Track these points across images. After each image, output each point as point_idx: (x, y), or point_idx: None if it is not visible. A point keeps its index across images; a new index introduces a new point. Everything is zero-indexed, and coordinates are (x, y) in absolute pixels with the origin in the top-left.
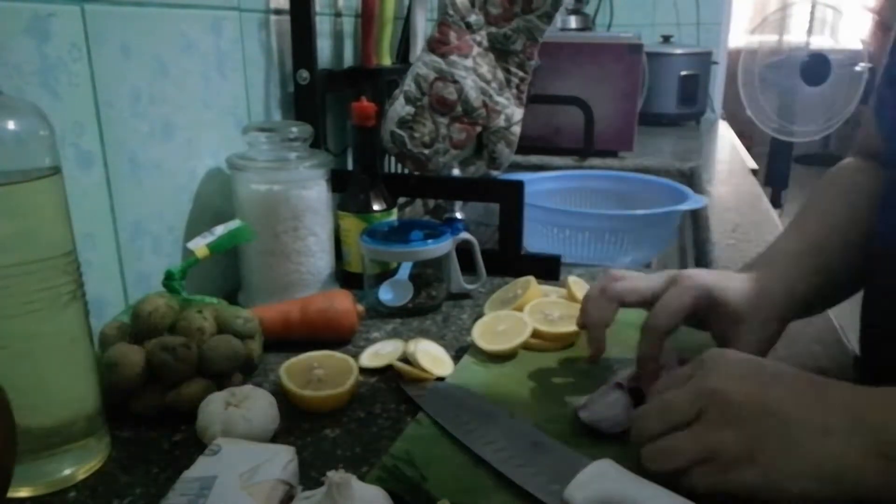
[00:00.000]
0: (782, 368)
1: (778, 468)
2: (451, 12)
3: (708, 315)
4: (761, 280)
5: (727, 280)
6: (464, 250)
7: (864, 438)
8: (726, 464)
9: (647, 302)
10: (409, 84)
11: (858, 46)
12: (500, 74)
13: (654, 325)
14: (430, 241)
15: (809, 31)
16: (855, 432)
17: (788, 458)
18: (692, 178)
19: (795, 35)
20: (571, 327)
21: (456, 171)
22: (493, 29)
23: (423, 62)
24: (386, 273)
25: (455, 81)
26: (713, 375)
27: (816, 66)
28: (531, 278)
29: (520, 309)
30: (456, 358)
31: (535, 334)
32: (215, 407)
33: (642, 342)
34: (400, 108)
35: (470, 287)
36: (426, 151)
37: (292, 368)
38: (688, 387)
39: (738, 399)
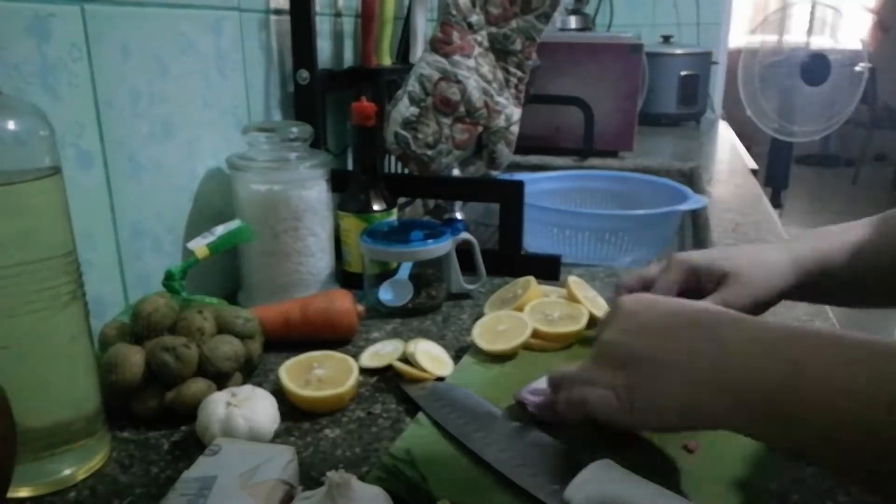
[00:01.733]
0: (664, 314)
1: (645, 406)
2: (453, 12)
3: (706, 286)
4: (765, 248)
5: (721, 251)
6: (464, 250)
7: (716, 378)
8: (605, 396)
9: (648, 287)
10: (412, 84)
11: (858, 46)
12: (500, 74)
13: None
14: (430, 241)
15: (809, 31)
16: (712, 373)
17: (654, 397)
18: (692, 178)
19: (795, 35)
20: (571, 327)
21: (456, 171)
22: (493, 29)
23: (426, 62)
24: (386, 273)
25: (458, 81)
26: (611, 328)
27: (816, 66)
28: (531, 278)
29: (520, 309)
30: (456, 358)
31: (536, 334)
32: (215, 407)
33: None
34: (404, 108)
35: (470, 287)
36: (429, 152)
37: (292, 368)
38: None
39: (619, 348)
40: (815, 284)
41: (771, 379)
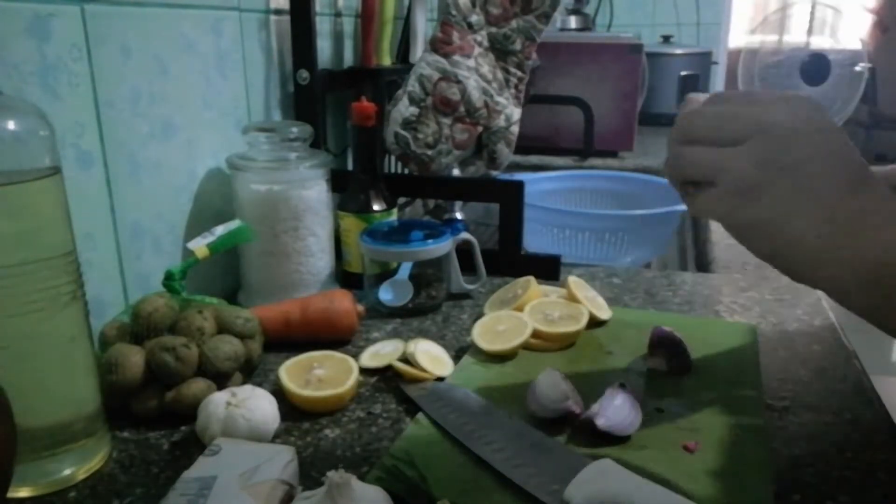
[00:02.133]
0: (838, 139)
1: (776, 208)
2: (453, 12)
3: None
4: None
5: None
6: (464, 250)
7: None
8: (732, 192)
9: None
10: (412, 84)
11: (858, 46)
12: (500, 74)
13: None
14: (430, 241)
15: (809, 31)
16: (848, 222)
17: (788, 201)
18: None
19: (795, 35)
20: (571, 327)
21: (455, 171)
22: (493, 29)
23: (426, 62)
24: (386, 273)
25: (458, 81)
26: (778, 112)
27: (816, 66)
28: (531, 278)
29: (520, 309)
30: (456, 358)
31: (535, 334)
32: (215, 407)
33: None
34: (404, 108)
35: (470, 287)
36: (430, 152)
37: (292, 368)
38: (749, 110)
39: (787, 141)
40: None
41: None
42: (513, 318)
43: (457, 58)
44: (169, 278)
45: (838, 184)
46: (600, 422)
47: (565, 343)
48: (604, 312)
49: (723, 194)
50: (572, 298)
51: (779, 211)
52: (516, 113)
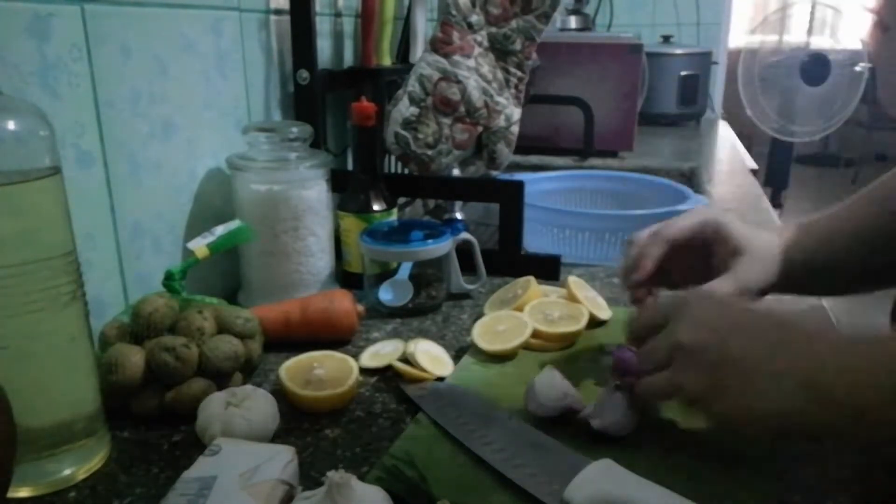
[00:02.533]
0: (746, 317)
1: (735, 404)
2: (453, 12)
3: (715, 244)
4: (771, 230)
5: (738, 224)
6: (464, 250)
7: (808, 386)
8: (693, 400)
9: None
10: (412, 84)
11: (858, 46)
12: (500, 74)
13: (662, 231)
14: (430, 241)
15: (809, 31)
16: (805, 383)
17: (744, 400)
18: (692, 178)
19: (795, 35)
20: (571, 327)
21: (456, 171)
22: (493, 29)
23: (426, 62)
24: (386, 273)
25: (458, 81)
26: (682, 327)
27: (816, 66)
28: (531, 278)
29: (520, 309)
30: (456, 358)
31: (535, 334)
32: (215, 407)
33: (645, 245)
34: (404, 108)
35: (470, 287)
36: (430, 152)
37: (292, 368)
38: (662, 336)
39: (701, 350)
40: (798, 277)
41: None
42: (513, 318)
43: (457, 58)
44: (169, 278)
45: (768, 375)
46: (595, 423)
47: (565, 343)
48: (604, 312)
49: (690, 402)
50: (572, 298)
51: (732, 413)
52: (516, 113)
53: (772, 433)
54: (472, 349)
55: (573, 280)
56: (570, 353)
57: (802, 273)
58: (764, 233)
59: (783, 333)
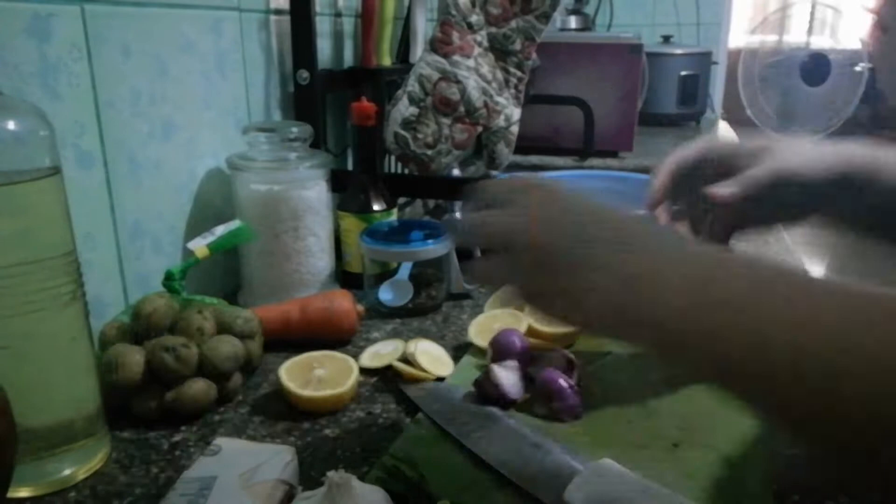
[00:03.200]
0: (586, 212)
1: (566, 305)
2: (453, 12)
3: (729, 157)
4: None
5: (745, 149)
6: (464, 250)
7: (633, 281)
8: (533, 294)
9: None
10: (412, 84)
11: (858, 46)
12: (500, 74)
13: (671, 156)
14: (430, 241)
15: (809, 31)
16: (629, 277)
17: (571, 295)
18: None
19: (795, 35)
20: (570, 327)
21: (456, 171)
22: (493, 29)
23: (425, 62)
24: (386, 273)
25: (458, 82)
26: (518, 215)
27: (816, 66)
28: None
29: (521, 309)
30: (456, 358)
31: (535, 334)
32: None
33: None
34: (404, 108)
35: (470, 287)
36: (429, 152)
37: (292, 368)
38: (500, 214)
39: (540, 248)
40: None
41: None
42: (509, 316)
43: (457, 58)
44: (169, 278)
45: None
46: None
47: (565, 343)
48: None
49: (531, 296)
50: None
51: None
52: (516, 113)
53: (608, 332)
54: (472, 349)
55: None
56: (570, 352)
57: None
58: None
59: (620, 229)
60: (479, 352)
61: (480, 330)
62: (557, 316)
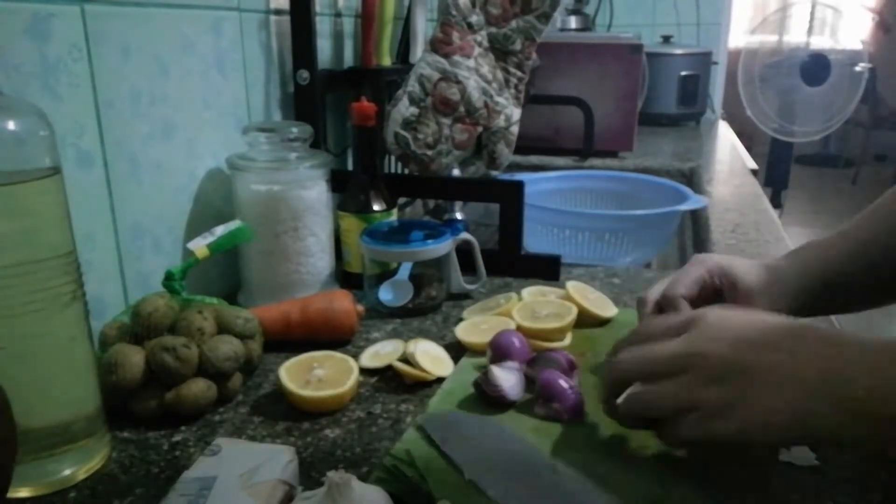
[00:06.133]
0: (763, 327)
1: (753, 420)
2: (453, 12)
3: (724, 289)
4: (778, 263)
5: (741, 262)
6: (464, 250)
7: (832, 390)
8: (709, 415)
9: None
10: (412, 85)
11: (858, 46)
12: (500, 75)
13: (672, 291)
14: (430, 241)
15: (809, 32)
16: (825, 384)
17: (763, 411)
18: (692, 179)
19: (795, 35)
20: (554, 324)
21: (456, 172)
22: (493, 29)
23: (426, 62)
24: (386, 273)
25: (458, 82)
26: (701, 337)
27: (816, 66)
28: (514, 295)
29: (504, 314)
30: (456, 358)
31: (521, 331)
32: None
33: (664, 309)
34: (404, 109)
35: (470, 287)
36: (429, 152)
37: (292, 368)
38: (677, 343)
39: (719, 361)
40: (832, 295)
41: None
42: (494, 320)
43: (457, 58)
44: (169, 278)
45: (787, 383)
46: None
47: (551, 339)
48: (609, 311)
49: (704, 419)
50: (569, 300)
51: (747, 427)
52: (516, 113)
53: (788, 441)
54: (468, 352)
55: (571, 286)
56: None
57: (828, 292)
58: (771, 264)
59: (796, 335)
60: (480, 353)
61: (468, 331)
62: (722, 436)
